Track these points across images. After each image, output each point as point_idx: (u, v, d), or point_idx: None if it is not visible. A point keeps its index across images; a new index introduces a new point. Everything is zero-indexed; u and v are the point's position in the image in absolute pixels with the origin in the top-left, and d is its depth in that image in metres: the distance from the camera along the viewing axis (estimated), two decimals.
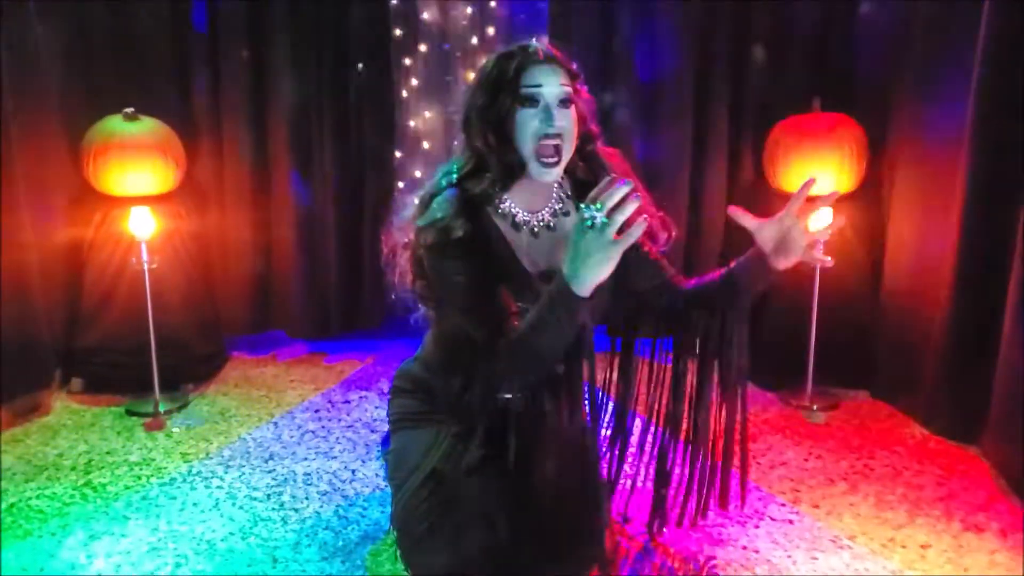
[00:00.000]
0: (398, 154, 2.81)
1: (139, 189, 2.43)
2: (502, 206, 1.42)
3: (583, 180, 1.47)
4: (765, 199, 2.56)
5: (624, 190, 1.15)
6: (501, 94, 1.35)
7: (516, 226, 1.43)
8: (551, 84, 1.34)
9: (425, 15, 2.76)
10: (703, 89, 2.61)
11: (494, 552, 1.36)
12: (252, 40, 2.64)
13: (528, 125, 1.34)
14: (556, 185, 1.46)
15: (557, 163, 1.36)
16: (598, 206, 1.15)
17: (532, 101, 1.34)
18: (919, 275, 2.25)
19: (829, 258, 1.53)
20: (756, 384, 2.50)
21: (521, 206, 1.43)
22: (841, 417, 2.29)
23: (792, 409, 2.34)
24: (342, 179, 2.77)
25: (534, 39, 1.40)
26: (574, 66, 1.41)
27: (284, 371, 2.65)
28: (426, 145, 2.88)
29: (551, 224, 1.44)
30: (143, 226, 2.25)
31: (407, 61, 2.77)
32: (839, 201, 2.41)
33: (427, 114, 2.86)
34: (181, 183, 2.56)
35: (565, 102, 1.36)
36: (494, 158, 1.37)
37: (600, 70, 2.60)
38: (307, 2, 2.62)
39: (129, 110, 2.43)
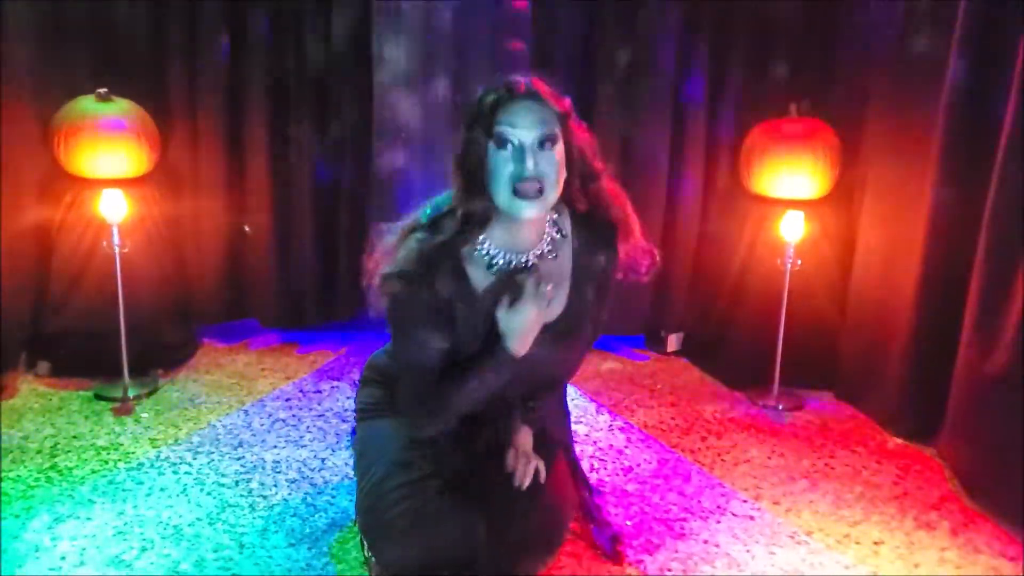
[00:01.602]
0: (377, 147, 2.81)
1: (111, 171, 2.40)
2: (479, 247, 1.37)
3: (584, 217, 1.43)
4: (740, 203, 2.61)
5: None
6: (477, 132, 1.28)
7: (492, 267, 1.37)
8: (528, 125, 1.25)
9: (406, 4, 2.75)
10: (681, 92, 2.64)
11: (463, 544, 1.38)
12: (230, 23, 2.61)
13: (501, 169, 1.26)
14: (549, 222, 1.41)
15: (536, 199, 1.28)
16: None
17: (507, 142, 1.26)
18: (885, 281, 2.31)
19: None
20: (724, 383, 2.56)
21: (504, 246, 1.37)
22: (805, 417, 2.35)
23: (758, 408, 2.39)
24: (319, 167, 2.76)
25: (519, 75, 1.32)
26: (564, 102, 1.32)
27: (256, 359, 2.64)
28: (404, 135, 2.88)
29: (536, 267, 1.38)
30: (115, 209, 2.23)
31: (387, 49, 2.77)
32: (811, 205, 2.48)
33: (406, 104, 2.86)
34: (155, 167, 2.53)
35: (545, 142, 1.27)
36: (462, 204, 1.32)
37: (581, 68, 2.62)
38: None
39: (102, 91, 2.39)
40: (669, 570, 1.63)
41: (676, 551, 1.70)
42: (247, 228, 2.75)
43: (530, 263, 1.38)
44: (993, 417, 1.87)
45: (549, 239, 1.40)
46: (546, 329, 1.40)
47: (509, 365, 1.36)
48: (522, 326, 1.32)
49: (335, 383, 2.49)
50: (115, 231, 2.23)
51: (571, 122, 1.33)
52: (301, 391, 2.43)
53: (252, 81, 2.65)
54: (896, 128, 2.25)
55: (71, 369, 2.41)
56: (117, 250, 2.23)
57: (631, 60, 2.61)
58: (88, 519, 1.74)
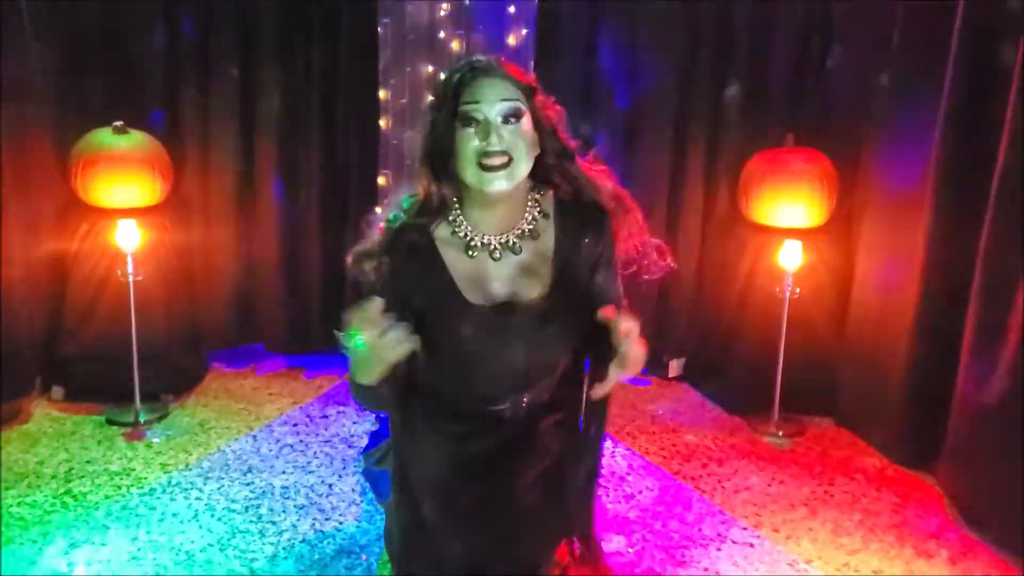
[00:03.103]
0: (381, 180, 2.87)
1: (126, 202, 2.47)
2: (457, 229, 1.35)
3: (570, 201, 1.39)
4: (739, 231, 2.66)
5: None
6: (442, 114, 1.27)
7: (470, 249, 1.35)
8: (491, 100, 1.24)
9: (412, 37, 2.83)
10: (681, 123, 2.71)
11: (465, 564, 1.40)
12: (241, 58, 2.69)
13: (467, 146, 1.25)
14: (531, 202, 1.38)
15: (502, 170, 1.25)
16: (352, 332, 1.17)
17: (472, 120, 1.24)
18: (883, 309, 2.35)
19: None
20: (725, 409, 2.59)
21: (482, 227, 1.35)
22: (805, 444, 2.38)
23: (758, 435, 2.42)
24: (326, 197, 2.82)
25: (482, 54, 1.31)
26: (529, 76, 1.31)
27: (263, 384, 2.69)
28: (409, 162, 2.94)
29: (516, 246, 1.36)
30: (129, 239, 2.29)
31: (393, 82, 2.84)
32: (809, 234, 2.52)
33: (410, 134, 2.93)
34: (167, 196, 2.60)
35: (512, 117, 1.25)
36: (431, 187, 1.31)
37: (581, 100, 2.69)
38: (296, 22, 2.68)
39: (118, 123, 2.47)
40: None
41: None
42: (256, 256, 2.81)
43: (511, 242, 1.35)
44: (990, 445, 1.90)
45: (531, 218, 1.37)
46: (525, 311, 1.36)
47: (370, 390, 1.29)
48: (354, 356, 1.24)
49: (341, 408, 2.53)
50: (129, 260, 2.29)
51: (538, 97, 1.31)
52: (308, 416, 2.47)
53: (261, 112, 2.72)
54: (891, 158, 2.31)
55: (84, 394, 2.46)
56: (131, 278, 2.29)
57: (626, 95, 2.68)
58: (103, 544, 1.78)
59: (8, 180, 2.27)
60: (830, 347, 2.54)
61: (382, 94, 2.73)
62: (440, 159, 1.30)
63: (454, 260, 1.36)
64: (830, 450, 2.34)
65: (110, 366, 2.43)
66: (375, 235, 1.39)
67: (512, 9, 2.76)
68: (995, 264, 1.92)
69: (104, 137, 2.47)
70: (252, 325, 2.90)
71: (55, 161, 2.49)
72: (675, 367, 2.84)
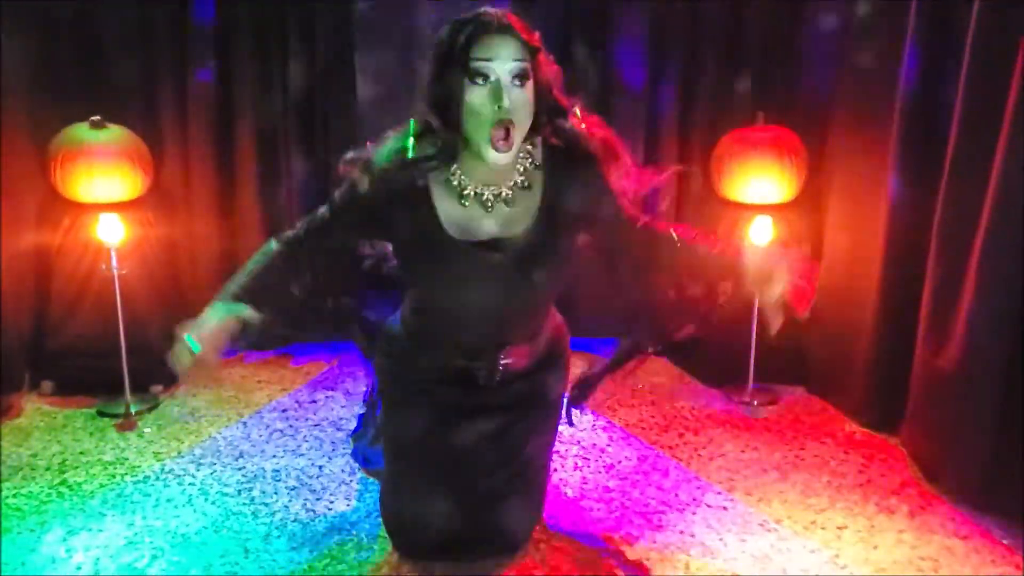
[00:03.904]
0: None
1: (107, 196, 2.49)
2: (451, 178, 1.37)
3: (556, 148, 1.41)
4: (712, 209, 2.73)
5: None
6: (450, 67, 1.26)
7: (463, 198, 1.37)
8: (504, 58, 1.24)
9: (386, 20, 2.85)
10: (654, 104, 2.76)
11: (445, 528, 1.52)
12: (219, 50, 2.70)
13: (478, 106, 1.25)
14: (523, 154, 1.39)
15: (509, 148, 1.28)
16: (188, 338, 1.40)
17: (482, 76, 1.25)
18: (850, 281, 2.43)
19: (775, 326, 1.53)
20: (701, 381, 2.68)
21: (476, 179, 1.37)
22: (778, 412, 2.47)
23: (734, 404, 2.51)
24: (308, 187, 2.86)
25: (490, 6, 1.30)
26: (535, 36, 1.30)
27: (252, 372, 2.74)
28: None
29: (507, 198, 1.39)
30: (112, 233, 2.32)
31: (370, 75, 2.87)
32: (780, 209, 2.60)
33: (388, 121, 2.95)
34: (149, 190, 2.62)
35: (520, 78, 1.26)
36: (438, 138, 1.33)
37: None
38: (274, 13, 2.69)
39: (96, 118, 2.48)
40: (647, 560, 1.75)
41: (654, 542, 1.82)
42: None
43: (503, 194, 1.39)
44: (947, 407, 2.00)
45: (522, 169, 1.39)
46: (507, 248, 1.39)
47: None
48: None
49: (329, 393, 2.59)
50: (113, 254, 2.32)
51: (541, 56, 1.32)
52: (297, 402, 2.53)
53: (240, 104, 2.74)
54: (855, 135, 2.38)
55: (74, 388, 2.49)
56: (116, 272, 2.32)
57: (602, 77, 2.73)
58: (100, 531, 1.84)
59: None
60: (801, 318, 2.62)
61: (358, 82, 2.76)
62: (446, 112, 1.30)
63: (447, 205, 1.39)
64: (802, 417, 2.44)
65: (99, 359, 2.46)
66: (371, 148, 1.42)
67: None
68: (948, 236, 2.00)
69: (82, 132, 2.48)
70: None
71: (34, 157, 2.50)
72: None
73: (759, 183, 2.57)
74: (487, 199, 1.38)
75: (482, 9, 1.29)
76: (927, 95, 2.11)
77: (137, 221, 2.51)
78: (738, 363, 2.54)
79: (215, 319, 1.42)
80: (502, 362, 1.53)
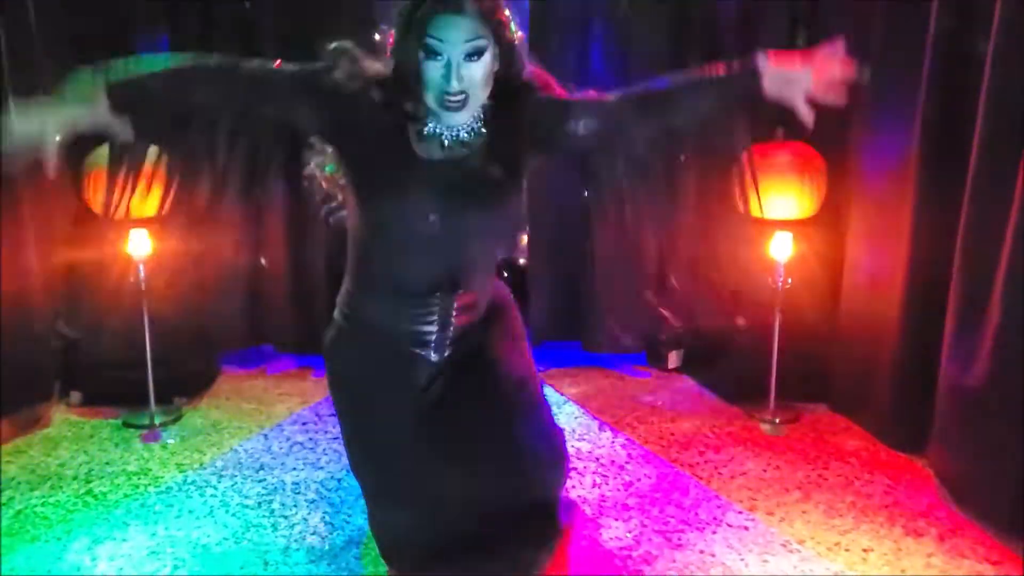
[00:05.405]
0: None
1: (137, 212, 2.54)
2: (427, 126, 1.36)
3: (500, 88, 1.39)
4: (732, 224, 2.72)
5: None
6: (407, 39, 1.30)
7: (422, 137, 1.36)
8: (455, 38, 1.27)
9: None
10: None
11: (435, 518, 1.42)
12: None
13: (430, 79, 1.29)
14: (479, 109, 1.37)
15: (461, 109, 1.31)
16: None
17: (436, 53, 1.28)
18: (873, 297, 2.40)
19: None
20: (723, 398, 2.65)
21: (444, 125, 1.36)
22: (801, 429, 2.44)
23: (755, 422, 2.48)
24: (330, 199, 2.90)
25: None
26: (497, 9, 1.31)
27: (273, 384, 2.77)
28: None
29: (463, 139, 1.37)
30: (141, 247, 2.38)
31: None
32: (800, 225, 2.58)
33: None
34: (176, 205, 2.67)
35: (474, 55, 1.29)
36: (400, 96, 1.33)
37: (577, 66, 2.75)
38: (295, 24, 2.75)
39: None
40: None
41: (674, 561, 1.80)
42: (263, 261, 2.89)
43: (459, 135, 1.36)
44: (976, 426, 1.96)
45: (479, 115, 1.39)
46: (458, 169, 1.37)
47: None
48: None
49: None
50: (141, 268, 2.37)
51: (500, 27, 1.33)
52: (317, 414, 2.55)
53: None
54: (876, 150, 2.36)
55: (100, 399, 2.54)
56: (143, 285, 2.37)
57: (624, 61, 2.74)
58: (124, 540, 1.87)
59: (25, 194, 2.35)
60: (823, 335, 2.59)
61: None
62: (408, 78, 1.33)
63: (423, 150, 1.38)
64: (824, 435, 2.40)
65: (125, 371, 2.51)
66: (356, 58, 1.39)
67: (506, 13, 2.82)
68: (973, 250, 1.98)
69: None
70: (262, 327, 2.99)
71: (68, 175, 2.57)
72: (674, 358, 2.91)
73: (778, 199, 2.56)
74: (445, 138, 1.38)
75: None
76: (948, 107, 2.09)
77: (165, 236, 2.57)
78: (759, 380, 2.51)
79: (72, 104, 1.26)
80: (454, 311, 1.45)
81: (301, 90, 1.38)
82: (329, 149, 1.50)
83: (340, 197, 1.54)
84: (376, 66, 1.40)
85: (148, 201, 2.53)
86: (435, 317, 1.44)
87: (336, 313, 1.55)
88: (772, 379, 2.48)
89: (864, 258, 2.44)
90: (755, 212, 2.57)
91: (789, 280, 2.43)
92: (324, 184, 1.57)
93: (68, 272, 2.58)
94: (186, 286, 2.68)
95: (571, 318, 2.98)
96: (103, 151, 2.52)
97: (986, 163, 1.92)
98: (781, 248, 2.43)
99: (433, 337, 1.45)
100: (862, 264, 2.45)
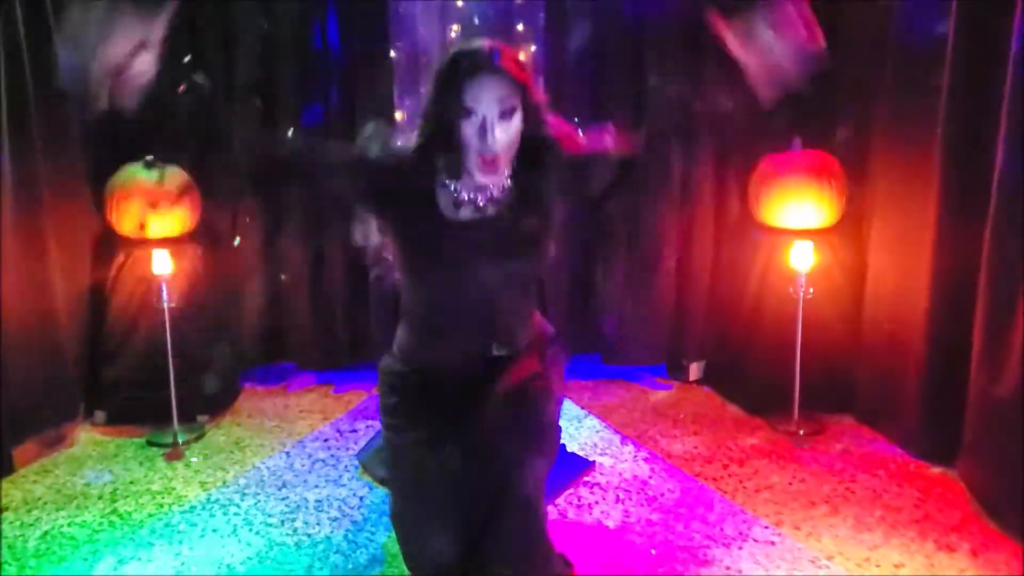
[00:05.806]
0: None
1: (159, 232, 2.58)
2: (448, 186, 1.46)
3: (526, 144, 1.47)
4: (750, 233, 2.70)
5: None
6: (444, 99, 1.39)
7: (458, 205, 1.46)
8: (490, 100, 1.36)
9: (424, 60, 2.92)
10: (690, 129, 2.75)
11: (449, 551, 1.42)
12: (263, 90, 2.80)
13: (467, 137, 1.39)
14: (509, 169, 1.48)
15: (495, 172, 1.41)
16: None
17: (470, 113, 1.37)
18: (897, 305, 2.37)
19: None
20: (745, 410, 2.62)
21: (469, 187, 1.46)
22: (826, 441, 2.40)
23: (779, 434, 2.45)
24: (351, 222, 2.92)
25: (486, 41, 1.41)
26: (524, 73, 1.41)
27: (294, 402, 2.78)
28: None
29: (496, 198, 1.47)
30: (163, 267, 2.41)
31: (408, 104, 2.93)
32: (820, 234, 2.55)
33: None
34: (197, 225, 2.71)
35: (507, 113, 1.38)
36: (441, 151, 1.44)
37: (590, 114, 2.75)
38: (316, 58, 2.79)
39: (149, 158, 2.59)
40: None
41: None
42: (284, 276, 2.92)
43: (492, 195, 1.48)
44: (1008, 437, 1.91)
45: (507, 173, 1.48)
46: (487, 228, 1.46)
47: None
48: None
49: (369, 422, 2.61)
50: (163, 288, 2.40)
51: (529, 88, 1.42)
52: (338, 431, 2.55)
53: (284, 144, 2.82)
54: (899, 157, 2.34)
55: (125, 418, 2.57)
56: (166, 304, 2.39)
57: (638, 108, 2.74)
58: (149, 560, 1.87)
59: (50, 216, 2.39)
60: (847, 345, 2.56)
61: (398, 116, 2.82)
62: (445, 133, 1.43)
63: (443, 201, 1.48)
64: (851, 447, 2.36)
65: (148, 390, 2.53)
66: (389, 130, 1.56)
67: (520, 27, 2.85)
68: (1000, 259, 1.94)
69: (136, 171, 2.59)
70: (283, 345, 3.01)
71: (91, 196, 2.62)
72: (695, 370, 2.88)
73: (798, 208, 2.54)
74: (480, 203, 1.48)
75: (477, 46, 1.40)
76: (972, 114, 2.06)
77: (186, 255, 2.60)
78: (782, 391, 2.48)
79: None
80: (493, 349, 1.54)
81: (351, 167, 1.55)
82: (373, 218, 1.65)
83: (388, 258, 1.66)
84: (403, 143, 1.55)
85: (172, 222, 2.61)
86: (476, 358, 1.53)
87: (390, 354, 1.65)
88: (796, 390, 2.45)
89: (887, 266, 2.41)
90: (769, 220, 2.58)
91: (811, 290, 2.41)
92: (373, 250, 1.71)
93: (93, 292, 2.61)
94: (208, 305, 2.72)
95: (590, 331, 2.97)
96: (125, 173, 2.59)
97: (1012, 167, 1.89)
98: (802, 257, 2.40)
99: (477, 375, 1.53)
100: (885, 272, 2.42)
